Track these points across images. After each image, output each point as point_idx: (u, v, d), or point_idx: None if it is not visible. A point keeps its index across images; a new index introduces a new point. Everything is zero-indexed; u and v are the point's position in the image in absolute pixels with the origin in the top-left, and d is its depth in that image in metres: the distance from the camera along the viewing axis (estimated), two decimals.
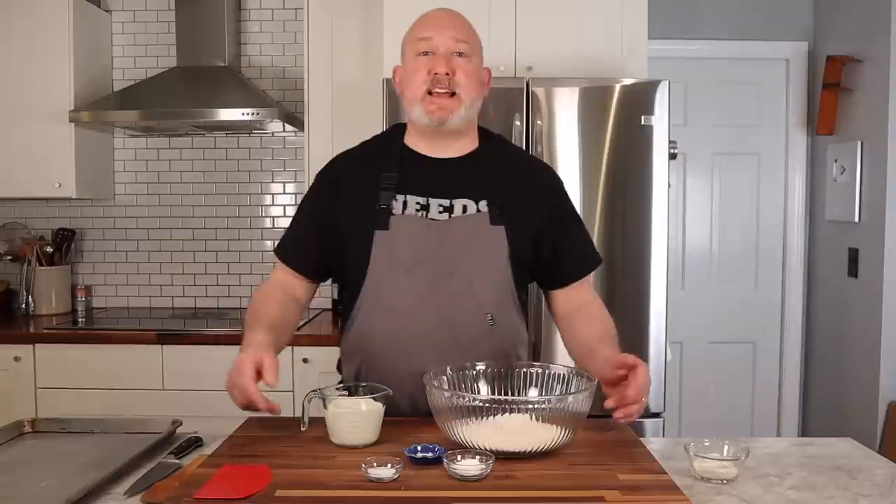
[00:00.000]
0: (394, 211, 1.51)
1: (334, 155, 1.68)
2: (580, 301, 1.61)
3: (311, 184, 1.65)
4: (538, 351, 2.41)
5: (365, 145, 1.66)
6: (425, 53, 1.50)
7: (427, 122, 1.51)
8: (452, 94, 1.50)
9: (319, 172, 1.64)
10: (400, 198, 1.52)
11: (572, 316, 1.60)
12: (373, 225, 1.50)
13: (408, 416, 1.50)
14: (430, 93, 1.49)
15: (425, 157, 1.57)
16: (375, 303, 1.51)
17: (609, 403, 1.33)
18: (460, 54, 1.51)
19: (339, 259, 1.57)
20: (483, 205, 1.53)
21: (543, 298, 1.68)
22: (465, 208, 1.52)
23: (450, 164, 1.56)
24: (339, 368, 1.67)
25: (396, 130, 1.64)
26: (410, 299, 1.49)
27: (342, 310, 1.66)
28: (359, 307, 1.53)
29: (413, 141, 1.59)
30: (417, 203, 1.52)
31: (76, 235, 3.31)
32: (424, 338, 1.49)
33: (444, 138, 1.55)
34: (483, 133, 1.63)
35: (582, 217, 1.67)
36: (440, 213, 1.51)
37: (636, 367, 1.32)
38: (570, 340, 1.59)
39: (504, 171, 1.58)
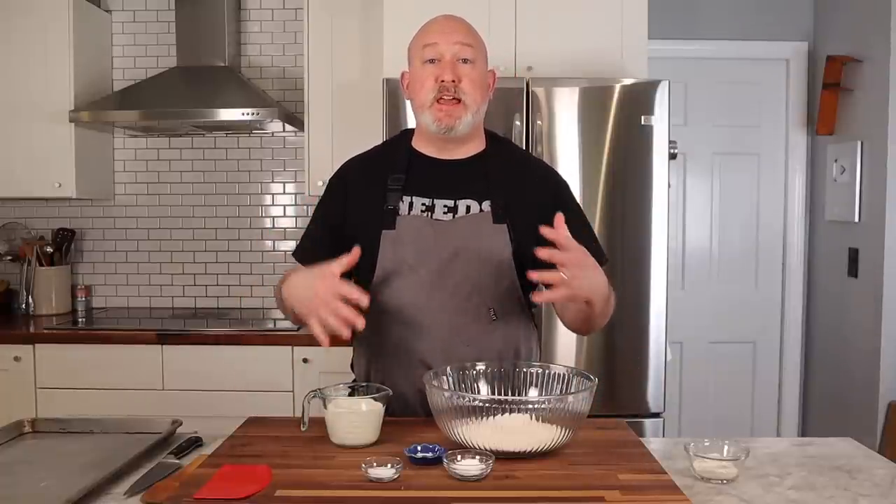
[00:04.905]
0: (400, 212, 1.54)
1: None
2: None
3: (324, 187, 1.69)
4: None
5: (374, 149, 1.71)
6: (431, 61, 1.54)
7: (435, 129, 1.55)
8: (458, 101, 1.53)
9: (331, 177, 1.68)
10: (406, 199, 1.56)
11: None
12: (380, 225, 1.53)
13: (417, 409, 1.51)
14: (438, 100, 1.53)
15: (432, 159, 1.61)
16: (383, 301, 1.53)
17: (533, 276, 1.28)
18: (465, 60, 1.54)
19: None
20: (486, 205, 1.55)
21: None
22: (468, 208, 1.55)
23: (455, 165, 1.60)
24: (352, 367, 1.70)
25: (404, 135, 1.69)
26: (416, 297, 1.52)
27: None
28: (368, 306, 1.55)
29: (420, 144, 1.63)
30: (423, 204, 1.55)
31: (76, 235, 3.31)
32: (430, 334, 1.52)
33: (451, 143, 1.59)
34: (490, 136, 1.66)
35: None
36: (444, 213, 1.55)
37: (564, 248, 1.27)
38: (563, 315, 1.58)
39: (508, 171, 1.60)
